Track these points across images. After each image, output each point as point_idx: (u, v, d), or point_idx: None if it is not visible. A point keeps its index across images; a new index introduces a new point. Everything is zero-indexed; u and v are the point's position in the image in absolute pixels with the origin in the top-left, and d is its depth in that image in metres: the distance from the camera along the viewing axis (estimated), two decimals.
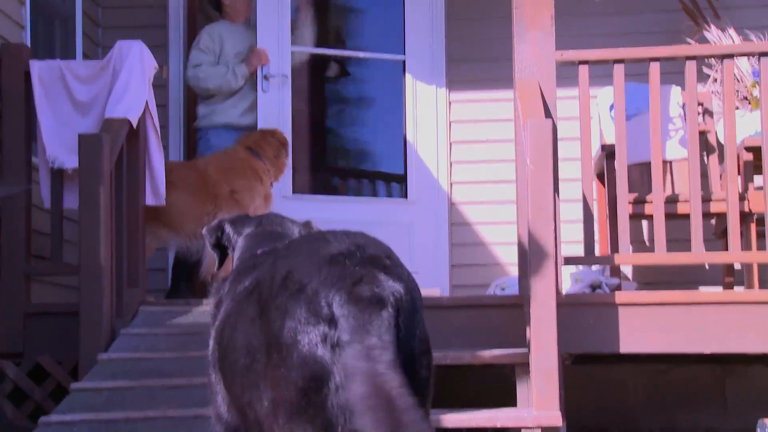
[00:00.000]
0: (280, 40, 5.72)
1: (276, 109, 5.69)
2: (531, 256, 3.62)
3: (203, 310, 4.34)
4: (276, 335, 1.56)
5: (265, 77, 5.65)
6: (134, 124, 4.25)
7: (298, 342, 1.53)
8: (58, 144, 4.33)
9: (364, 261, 1.56)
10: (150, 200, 4.49)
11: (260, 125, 5.54)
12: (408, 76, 5.83)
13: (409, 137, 5.83)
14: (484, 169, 5.68)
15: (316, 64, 6.34)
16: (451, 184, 5.74)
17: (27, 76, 4.35)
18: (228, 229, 2.32)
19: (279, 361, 1.56)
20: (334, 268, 1.54)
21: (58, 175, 4.32)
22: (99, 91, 4.40)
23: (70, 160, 4.26)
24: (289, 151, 5.20)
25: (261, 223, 2.28)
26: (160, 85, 5.59)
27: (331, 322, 1.51)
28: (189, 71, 5.34)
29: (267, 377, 1.61)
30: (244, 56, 5.33)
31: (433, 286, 5.57)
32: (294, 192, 5.68)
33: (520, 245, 4.08)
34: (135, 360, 3.77)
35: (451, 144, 5.76)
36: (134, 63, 4.36)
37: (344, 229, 1.77)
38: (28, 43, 4.67)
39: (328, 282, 1.52)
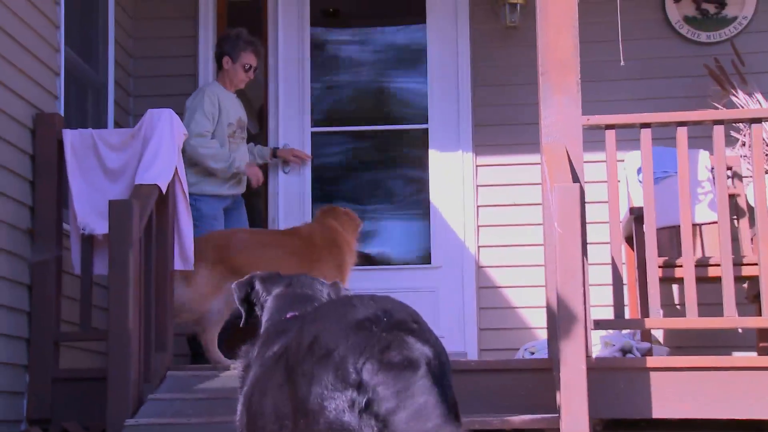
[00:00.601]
0: (301, 122, 5.88)
1: (297, 189, 5.83)
2: (560, 320, 3.59)
3: (230, 375, 4.32)
4: (303, 401, 1.56)
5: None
6: (163, 190, 4.30)
7: (324, 408, 1.53)
8: (89, 210, 4.39)
9: (391, 326, 1.56)
10: (178, 265, 4.52)
11: (282, 205, 5.85)
12: (432, 143, 5.89)
13: (433, 202, 5.86)
14: (511, 232, 5.67)
15: (338, 141, 6.50)
16: (479, 248, 5.73)
17: (60, 144, 4.44)
18: (258, 286, 2.31)
19: (306, 427, 1.55)
20: (361, 334, 1.54)
21: (89, 242, 4.36)
22: (129, 158, 4.46)
23: (100, 227, 4.30)
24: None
25: (291, 283, 2.26)
26: None
27: (360, 388, 1.51)
28: (192, 139, 5.03)
29: None
30: (235, 128, 5.28)
31: (461, 349, 5.54)
32: None
33: (548, 308, 4.05)
34: (162, 425, 3.75)
35: (478, 207, 5.77)
36: (164, 130, 4.43)
37: (371, 294, 1.77)
38: (62, 113, 4.77)
39: (355, 348, 1.52)
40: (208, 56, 5.97)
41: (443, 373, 1.64)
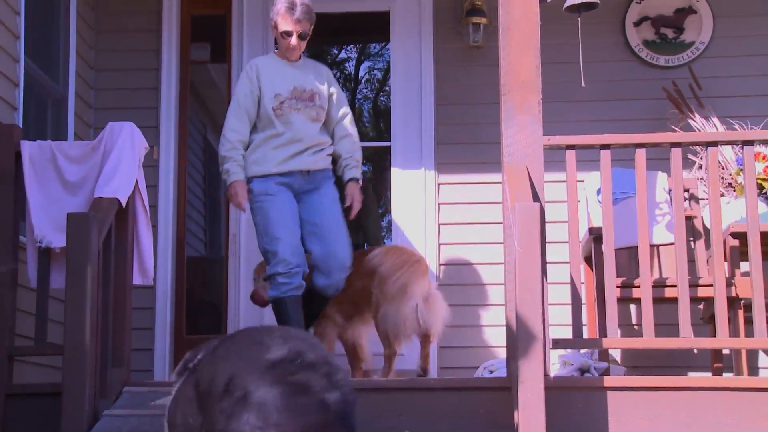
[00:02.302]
0: None
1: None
2: (519, 339, 3.61)
3: None
4: None
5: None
6: (123, 204, 4.27)
7: None
8: (47, 223, 4.33)
9: (304, 367, 1.65)
10: (138, 279, 4.48)
11: (244, 221, 5.75)
12: (395, 161, 5.91)
13: (395, 219, 5.88)
14: (472, 250, 5.70)
15: None
16: (440, 266, 5.75)
17: (18, 156, 4.38)
18: None
19: None
20: (275, 374, 1.63)
21: (46, 254, 4.30)
22: (89, 171, 4.42)
23: (57, 239, 4.25)
24: None
25: None
26: (150, 165, 5.64)
27: (276, 427, 1.58)
28: (223, 130, 4.64)
29: None
30: (284, 98, 4.56)
31: None
32: None
33: (508, 327, 4.07)
34: None
35: (440, 225, 5.79)
36: (125, 143, 4.39)
37: (283, 329, 1.78)
38: (21, 124, 4.72)
39: (271, 390, 1.61)
40: (171, 69, 5.95)
41: (348, 414, 1.69)
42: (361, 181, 4.76)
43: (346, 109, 4.77)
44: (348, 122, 4.74)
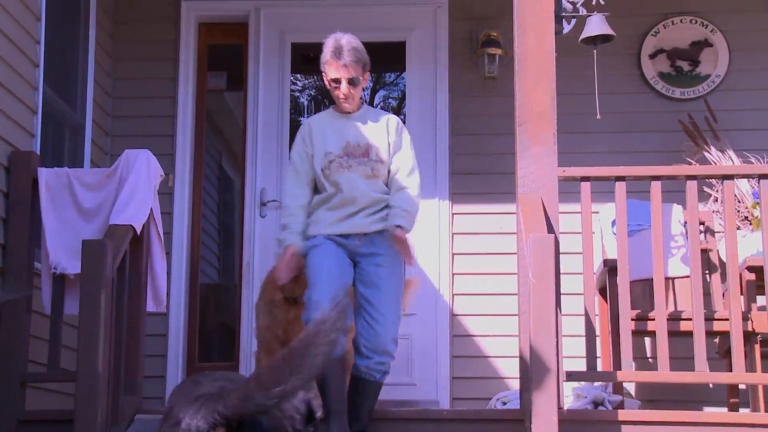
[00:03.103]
0: (279, 166, 5.91)
1: (273, 232, 5.83)
2: (533, 371, 3.59)
3: None
4: None
5: (263, 203, 5.83)
6: (138, 231, 4.28)
7: None
8: (62, 250, 4.35)
9: (216, 399, 2.43)
10: (151, 307, 4.49)
11: (257, 249, 5.79)
12: None
13: None
14: (486, 280, 5.68)
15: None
16: (453, 295, 5.73)
17: (34, 182, 4.41)
18: None
19: None
20: (195, 405, 2.42)
21: (60, 281, 4.32)
22: (105, 198, 4.45)
23: (72, 266, 4.27)
24: None
25: None
26: (166, 192, 5.67)
27: None
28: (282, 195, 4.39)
29: None
30: (334, 157, 4.16)
31: (433, 398, 5.51)
32: None
33: (521, 359, 4.04)
34: None
35: (453, 255, 5.78)
36: (141, 171, 4.42)
37: (223, 374, 2.77)
38: (38, 151, 4.75)
39: (190, 415, 2.41)
40: (187, 97, 5.99)
41: None
42: (405, 229, 4.11)
43: (405, 161, 4.20)
44: (404, 175, 4.18)
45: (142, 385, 4.41)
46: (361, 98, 4.23)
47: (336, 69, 4.11)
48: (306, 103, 8.57)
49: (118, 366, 4.08)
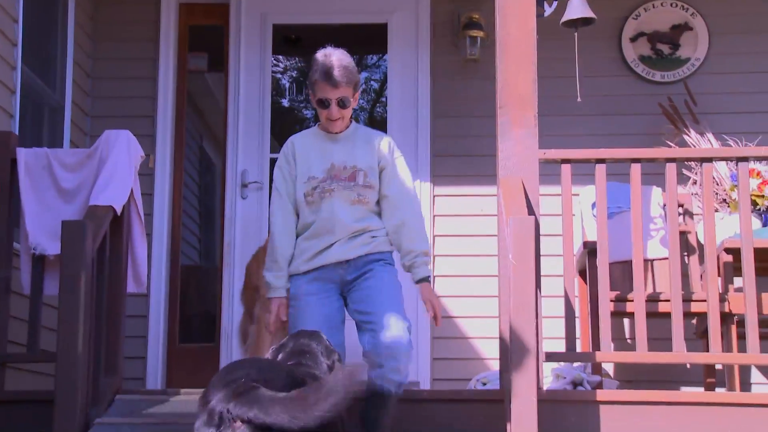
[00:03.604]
0: (260, 148, 5.89)
1: (254, 214, 5.83)
2: (512, 352, 3.61)
3: (180, 399, 4.27)
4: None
5: (244, 185, 5.83)
6: (118, 212, 4.27)
7: None
8: (41, 230, 4.33)
9: (244, 388, 2.56)
10: (131, 288, 4.48)
11: (239, 231, 5.80)
12: None
13: None
14: (467, 262, 5.71)
15: None
16: (434, 277, 5.75)
17: (13, 163, 4.38)
18: None
19: None
20: (227, 390, 2.57)
21: (40, 262, 4.30)
22: (84, 179, 4.42)
23: (52, 247, 4.25)
24: None
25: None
26: (146, 173, 5.65)
27: (218, 426, 2.54)
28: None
29: None
30: (317, 182, 3.78)
31: (414, 379, 5.54)
32: None
33: (501, 340, 4.07)
34: None
35: (434, 237, 5.80)
36: (121, 152, 4.40)
37: (256, 359, 3.24)
38: (17, 131, 4.72)
39: (220, 400, 2.57)
40: (168, 78, 5.96)
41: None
42: (429, 278, 3.84)
43: (401, 188, 3.83)
44: (406, 206, 3.81)
45: (123, 366, 4.41)
46: (351, 117, 3.88)
47: (324, 90, 3.74)
48: (288, 84, 8.55)
49: (98, 347, 4.08)
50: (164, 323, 5.74)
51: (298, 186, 3.81)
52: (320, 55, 3.81)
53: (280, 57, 8.10)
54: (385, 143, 3.88)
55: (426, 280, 3.80)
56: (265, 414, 2.47)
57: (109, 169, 4.36)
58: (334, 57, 3.77)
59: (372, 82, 8.16)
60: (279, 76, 8.37)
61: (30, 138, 5.10)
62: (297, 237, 3.82)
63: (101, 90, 5.91)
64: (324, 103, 3.76)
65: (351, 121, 3.89)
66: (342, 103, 3.76)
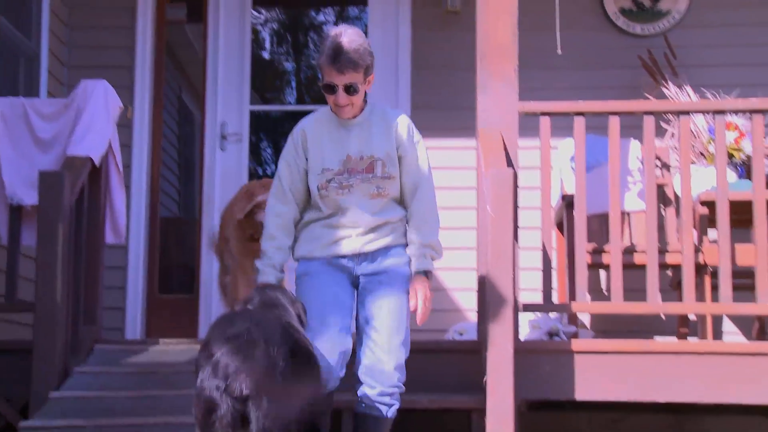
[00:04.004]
0: (239, 100, 5.86)
1: (234, 166, 5.82)
2: (490, 303, 3.65)
3: (159, 349, 4.30)
4: (196, 381, 2.75)
5: (224, 137, 5.81)
6: (96, 163, 4.25)
7: (204, 388, 2.70)
8: (18, 181, 4.31)
9: (246, 342, 2.74)
10: (110, 239, 4.48)
11: (218, 182, 5.77)
12: None
13: None
14: (446, 215, 5.66)
15: (276, 121, 6.47)
16: None
17: None
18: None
19: (194, 396, 2.74)
20: (230, 344, 2.72)
21: (17, 212, 4.28)
22: (61, 129, 4.40)
23: (29, 197, 4.24)
24: None
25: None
26: (124, 125, 5.61)
27: (224, 378, 2.67)
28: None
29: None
30: (333, 175, 3.48)
31: None
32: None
33: (479, 291, 4.11)
34: (88, 399, 3.72)
35: None
36: (98, 102, 4.37)
37: (253, 311, 3.06)
38: None
39: (225, 353, 2.70)
40: (146, 29, 5.90)
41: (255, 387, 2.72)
42: (430, 275, 3.59)
43: (418, 175, 3.57)
44: (419, 194, 3.57)
45: (102, 316, 4.42)
46: (364, 99, 3.53)
47: (330, 74, 3.40)
48: (268, 36, 8.48)
49: (76, 297, 4.09)
50: (143, 274, 5.75)
51: (310, 178, 3.51)
52: (330, 35, 3.45)
53: (261, 8, 8.01)
54: (403, 127, 3.55)
55: (424, 273, 3.53)
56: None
57: (86, 120, 4.33)
58: (344, 38, 3.41)
59: None
60: (259, 28, 8.30)
61: (5, 88, 5.04)
62: (307, 223, 3.56)
63: (78, 39, 5.84)
64: (331, 89, 3.42)
65: (365, 104, 3.54)
66: (350, 90, 3.42)
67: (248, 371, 2.66)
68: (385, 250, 3.52)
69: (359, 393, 3.43)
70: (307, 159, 3.51)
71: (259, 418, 2.65)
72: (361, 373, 3.43)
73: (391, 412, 3.45)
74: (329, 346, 3.34)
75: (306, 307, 3.36)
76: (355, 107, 3.49)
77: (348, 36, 3.41)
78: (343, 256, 3.50)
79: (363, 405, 3.43)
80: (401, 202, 3.57)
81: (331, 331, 3.37)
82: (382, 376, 3.41)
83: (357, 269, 3.52)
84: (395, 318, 3.45)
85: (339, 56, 3.37)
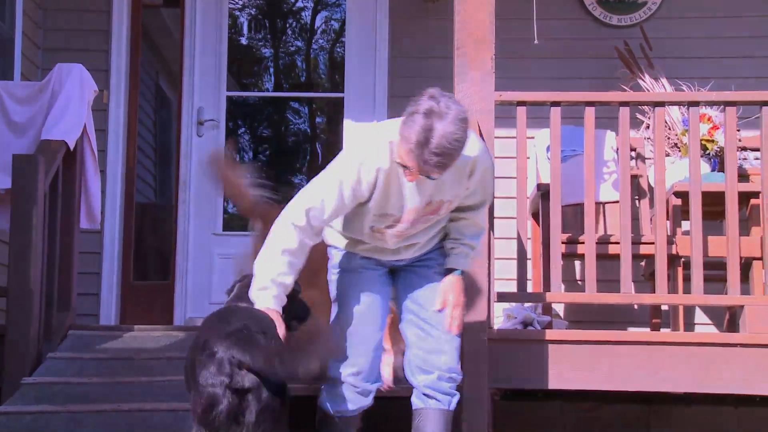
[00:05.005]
0: (216, 86, 5.85)
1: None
2: (465, 292, 3.66)
3: (134, 336, 4.30)
4: (197, 378, 2.78)
5: (200, 122, 5.79)
6: (71, 147, 4.22)
7: (207, 384, 2.75)
8: None
9: (246, 337, 2.79)
10: (84, 223, 4.45)
11: (194, 168, 5.76)
12: (347, 112, 5.91)
13: None
14: None
15: (254, 107, 6.45)
16: None
17: None
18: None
19: (195, 393, 2.80)
20: (231, 339, 2.77)
21: None
22: (36, 113, 4.36)
23: (3, 181, 4.20)
24: None
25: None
26: (100, 109, 5.57)
27: (229, 374, 2.72)
28: (289, 212, 3.10)
29: (190, 399, 2.87)
30: (392, 221, 3.13)
31: None
32: (224, 229, 5.87)
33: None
34: (61, 384, 3.70)
35: None
36: (74, 86, 4.34)
37: (245, 308, 2.98)
38: None
39: (227, 349, 2.75)
40: (123, 12, 5.85)
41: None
42: (461, 273, 3.30)
43: (478, 198, 3.24)
44: (479, 210, 3.28)
45: (76, 302, 4.40)
46: None
47: (412, 163, 2.90)
48: (246, 22, 8.43)
49: (50, 282, 4.07)
50: (118, 260, 5.72)
51: (363, 215, 3.10)
52: (420, 114, 2.89)
53: None
54: (477, 169, 3.14)
55: (455, 272, 3.24)
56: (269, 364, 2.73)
57: (61, 103, 4.30)
58: (437, 134, 2.85)
59: (332, 22, 8.08)
60: (237, 13, 8.25)
61: None
62: (347, 239, 3.24)
63: (53, 22, 5.78)
64: (407, 168, 2.95)
65: None
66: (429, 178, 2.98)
67: (251, 365, 2.73)
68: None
69: (415, 385, 3.19)
70: (370, 199, 3.05)
71: (257, 409, 2.74)
72: (416, 362, 3.18)
73: (453, 405, 3.21)
74: (365, 348, 3.15)
75: (351, 308, 3.20)
76: None
77: (441, 131, 2.85)
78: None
79: (420, 399, 3.19)
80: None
81: (378, 336, 3.20)
82: (441, 359, 3.15)
83: (397, 265, 3.28)
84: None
85: (425, 155, 2.85)
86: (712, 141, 4.93)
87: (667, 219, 4.68)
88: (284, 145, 7.69)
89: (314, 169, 7.04)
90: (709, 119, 4.95)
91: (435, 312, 3.20)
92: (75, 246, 4.34)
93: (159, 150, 7.92)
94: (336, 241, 3.29)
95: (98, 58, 5.71)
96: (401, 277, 3.29)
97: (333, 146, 6.21)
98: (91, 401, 3.60)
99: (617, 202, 4.75)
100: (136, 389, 3.69)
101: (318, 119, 7.52)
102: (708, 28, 5.78)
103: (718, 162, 5.00)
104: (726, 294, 4.08)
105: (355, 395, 3.22)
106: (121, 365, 3.90)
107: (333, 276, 3.30)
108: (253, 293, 3.04)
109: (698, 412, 4.92)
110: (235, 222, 6.01)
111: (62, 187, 4.21)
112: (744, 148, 5.08)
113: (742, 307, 4.05)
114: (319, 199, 3.03)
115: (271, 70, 8.11)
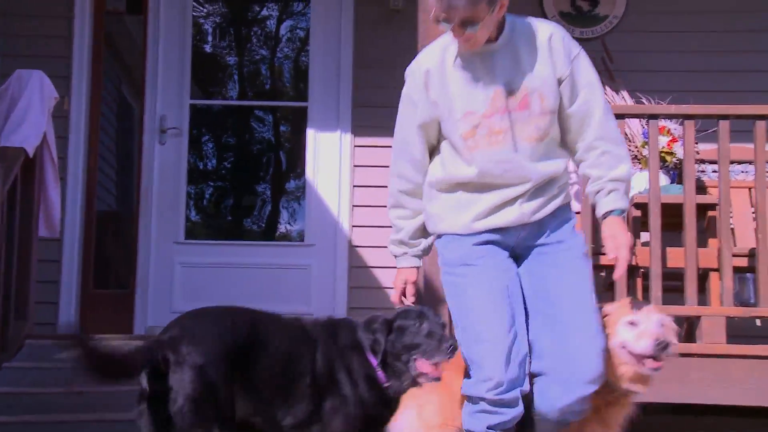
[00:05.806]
0: (180, 94, 5.82)
1: (173, 159, 5.78)
2: (425, 301, 3.68)
3: None
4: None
5: (163, 130, 5.77)
6: (30, 154, 4.19)
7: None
8: None
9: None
10: (43, 232, 4.41)
11: (156, 176, 5.75)
12: (311, 122, 5.92)
13: (309, 180, 5.89)
14: (385, 213, 5.72)
15: (218, 115, 6.45)
16: (352, 227, 5.79)
17: None
18: None
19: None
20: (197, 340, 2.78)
21: None
22: None
23: None
24: None
25: None
26: (61, 116, 5.52)
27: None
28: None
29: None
30: (480, 118, 2.79)
31: None
32: (187, 238, 5.86)
33: (417, 290, 4.13)
34: (16, 395, 3.66)
35: (354, 187, 5.83)
36: (33, 92, 4.31)
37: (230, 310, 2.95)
38: None
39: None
40: (85, 18, 5.81)
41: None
42: (625, 214, 2.94)
43: (586, 99, 2.84)
44: (592, 121, 2.84)
45: (34, 311, 4.36)
46: (495, 24, 2.76)
47: (440, 7, 2.70)
48: (210, 29, 8.41)
49: (7, 291, 4.02)
50: (78, 268, 5.67)
51: (448, 127, 2.82)
52: None
53: (203, 1, 7.96)
54: (557, 38, 2.83)
55: (618, 213, 2.85)
56: None
57: (20, 110, 4.27)
58: None
59: (298, 30, 8.09)
60: (201, 21, 8.22)
61: None
62: (447, 187, 2.89)
63: (13, 28, 5.72)
64: (445, 22, 2.71)
65: (500, 21, 2.78)
66: (467, 24, 2.69)
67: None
68: (553, 216, 2.87)
69: (542, 401, 2.77)
70: (437, 104, 2.82)
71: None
72: (549, 374, 2.76)
73: (572, 418, 2.80)
74: (516, 355, 2.74)
75: (473, 309, 2.78)
76: (482, 38, 2.73)
77: None
78: (503, 229, 2.83)
79: (547, 417, 2.78)
80: (563, 144, 2.87)
81: (511, 335, 2.76)
82: (579, 374, 2.71)
83: (523, 242, 2.86)
84: (585, 302, 2.81)
85: None
86: (671, 153, 4.99)
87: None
88: (248, 154, 7.68)
89: (278, 177, 7.06)
90: (668, 132, 5.02)
91: (571, 312, 2.75)
92: (33, 255, 4.30)
93: (121, 158, 7.87)
94: (440, 226, 2.91)
95: (59, 65, 5.67)
96: (527, 269, 2.86)
97: (297, 155, 6.21)
98: (48, 411, 3.57)
99: (578, 213, 4.79)
100: (95, 399, 3.66)
101: (282, 128, 7.51)
102: (668, 42, 5.86)
103: (677, 174, 5.06)
104: (684, 305, 4.13)
105: (501, 408, 2.76)
106: (79, 374, 3.86)
107: (446, 277, 2.92)
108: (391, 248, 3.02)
109: (654, 422, 4.96)
110: (197, 230, 5.98)
111: (20, 195, 4.17)
112: (702, 161, 5.15)
113: (699, 317, 4.10)
114: (402, 130, 2.98)
115: (236, 78, 8.09)
